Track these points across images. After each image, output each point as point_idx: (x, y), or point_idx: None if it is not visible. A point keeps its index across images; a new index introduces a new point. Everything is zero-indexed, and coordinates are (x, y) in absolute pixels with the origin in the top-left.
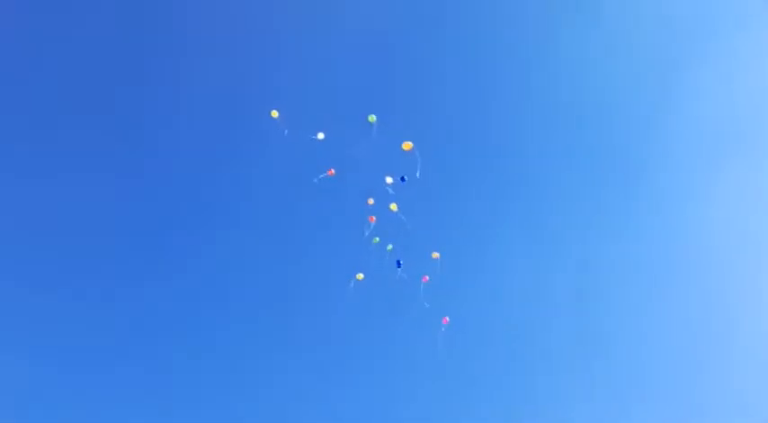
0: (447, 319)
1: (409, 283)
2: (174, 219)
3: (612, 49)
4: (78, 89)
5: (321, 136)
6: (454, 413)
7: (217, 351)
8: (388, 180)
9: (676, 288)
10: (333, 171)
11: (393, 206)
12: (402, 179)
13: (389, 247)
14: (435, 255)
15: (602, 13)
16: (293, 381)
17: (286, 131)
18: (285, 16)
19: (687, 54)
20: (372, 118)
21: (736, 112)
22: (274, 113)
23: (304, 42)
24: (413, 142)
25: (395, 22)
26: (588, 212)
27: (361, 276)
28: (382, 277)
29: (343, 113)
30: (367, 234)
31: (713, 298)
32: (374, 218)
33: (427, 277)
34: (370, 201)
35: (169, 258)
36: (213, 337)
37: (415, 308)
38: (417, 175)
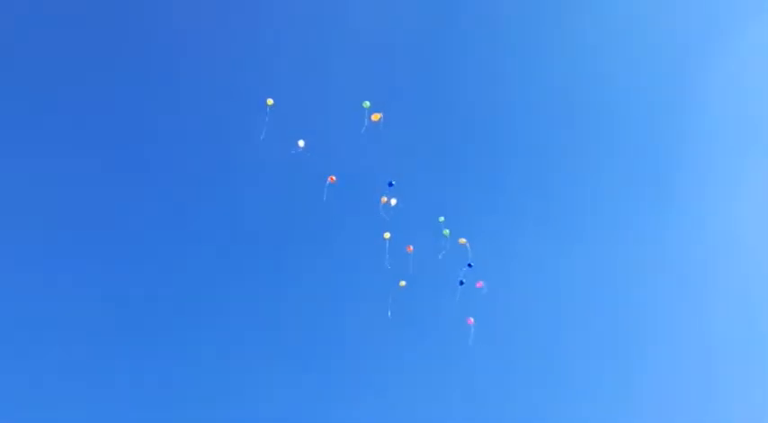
0: (472, 319)
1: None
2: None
3: (636, 45)
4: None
5: (301, 144)
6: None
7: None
8: (392, 201)
9: (702, 290)
10: (334, 178)
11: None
12: (390, 184)
13: (446, 231)
14: (462, 241)
15: (627, 6)
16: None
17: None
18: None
19: (713, 50)
20: (367, 104)
21: (763, 109)
22: (269, 101)
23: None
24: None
25: (400, 20)
26: (611, 212)
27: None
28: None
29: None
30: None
31: (740, 299)
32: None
33: (482, 283)
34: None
35: (169, 263)
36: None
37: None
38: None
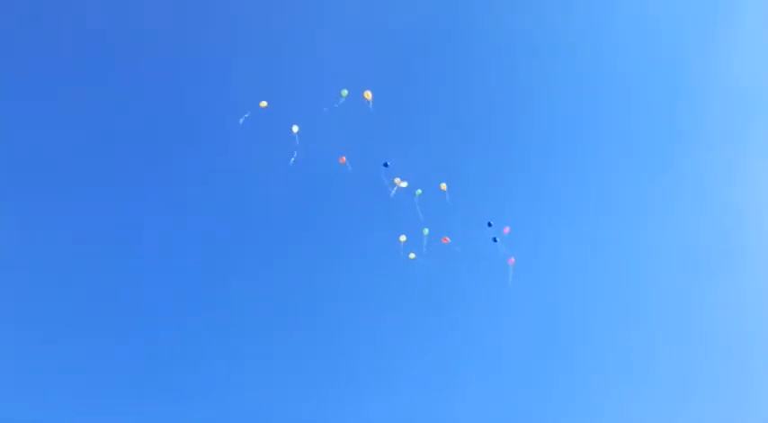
0: (513, 259)
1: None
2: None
3: (646, 27)
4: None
5: (296, 129)
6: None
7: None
8: (403, 184)
9: (714, 276)
10: (344, 159)
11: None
12: (385, 164)
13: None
14: (443, 186)
15: (628, 5)
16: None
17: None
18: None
19: (722, 32)
20: (344, 93)
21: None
22: (263, 104)
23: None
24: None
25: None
26: (623, 197)
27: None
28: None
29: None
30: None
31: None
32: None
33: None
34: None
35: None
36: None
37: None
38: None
